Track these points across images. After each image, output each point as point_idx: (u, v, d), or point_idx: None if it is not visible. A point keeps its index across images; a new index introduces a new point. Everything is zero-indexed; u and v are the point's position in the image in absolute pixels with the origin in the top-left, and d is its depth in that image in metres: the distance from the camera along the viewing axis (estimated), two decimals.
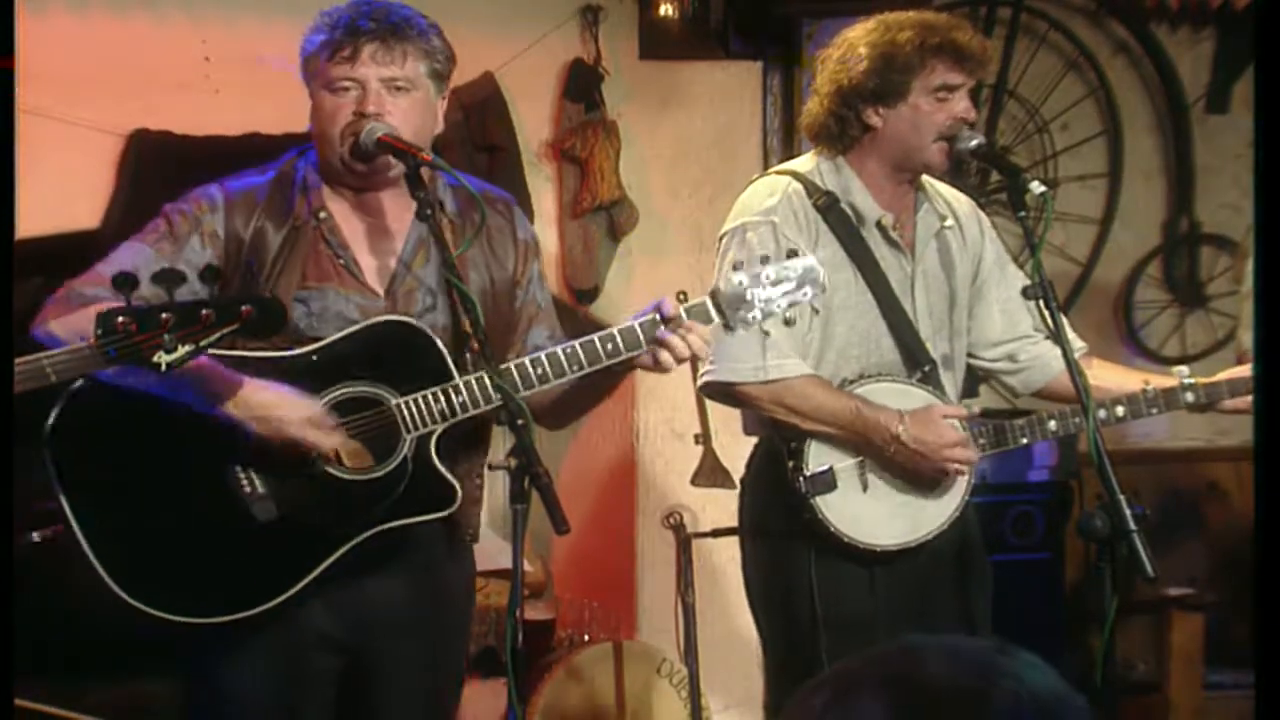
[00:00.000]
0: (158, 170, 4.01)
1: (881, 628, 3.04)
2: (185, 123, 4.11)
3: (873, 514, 3.06)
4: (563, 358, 2.61)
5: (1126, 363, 5.39)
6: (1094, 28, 5.30)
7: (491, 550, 5.21)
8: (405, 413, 2.59)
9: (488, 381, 2.57)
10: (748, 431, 3.27)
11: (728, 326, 2.64)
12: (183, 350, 2.30)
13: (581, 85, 4.55)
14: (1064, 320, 3.22)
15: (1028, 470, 4.70)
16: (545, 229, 4.58)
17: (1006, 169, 2.91)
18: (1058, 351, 2.98)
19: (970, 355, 3.30)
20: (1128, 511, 2.66)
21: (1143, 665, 4.91)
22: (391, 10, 2.67)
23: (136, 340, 2.28)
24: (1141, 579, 2.67)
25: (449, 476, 2.64)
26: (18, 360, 2.37)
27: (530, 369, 2.61)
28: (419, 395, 2.59)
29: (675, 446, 4.71)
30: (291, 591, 2.60)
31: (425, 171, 2.60)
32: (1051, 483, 4.76)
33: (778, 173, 3.20)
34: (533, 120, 4.55)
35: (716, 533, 4.02)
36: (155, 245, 2.64)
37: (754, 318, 2.64)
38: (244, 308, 2.33)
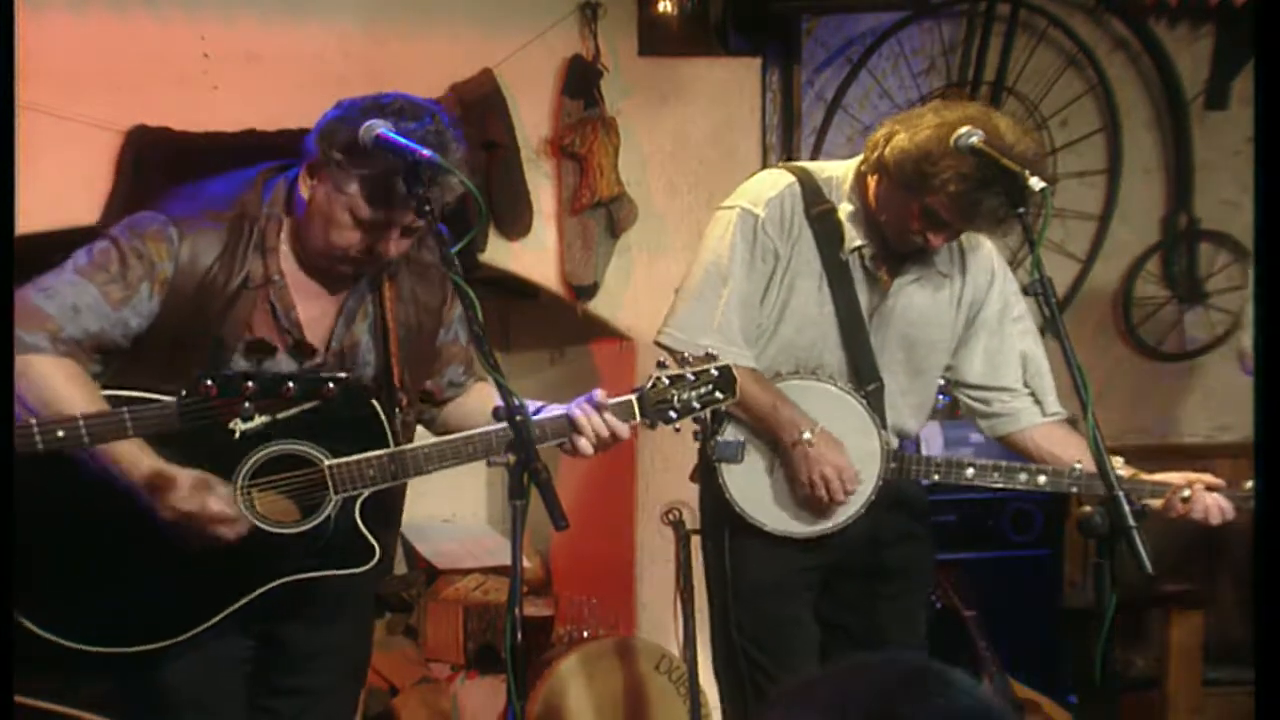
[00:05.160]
0: (156, 166, 4.00)
1: (782, 598, 3.28)
2: (184, 119, 4.10)
3: (769, 497, 3.23)
4: (494, 439, 2.69)
5: (1125, 359, 5.41)
6: (1093, 24, 5.30)
7: (490, 546, 5.22)
8: (335, 475, 2.67)
9: (425, 452, 2.70)
10: None
11: (650, 425, 2.78)
12: (259, 420, 2.37)
13: (580, 81, 4.54)
14: (1051, 385, 3.38)
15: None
16: (544, 225, 4.58)
17: (1005, 166, 2.91)
18: (1030, 411, 3.32)
19: (957, 388, 3.44)
20: (1127, 508, 2.66)
21: (1141, 661, 4.92)
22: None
23: (215, 405, 2.33)
24: (1141, 575, 2.67)
25: (370, 538, 2.74)
26: (99, 412, 2.43)
27: (464, 446, 2.72)
28: (352, 460, 2.68)
29: (674, 443, 4.68)
30: (197, 630, 2.67)
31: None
32: None
33: (790, 168, 3.30)
34: (532, 116, 4.54)
35: None
36: (104, 288, 2.61)
37: (673, 416, 2.78)
38: (328, 386, 2.37)
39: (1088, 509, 2.75)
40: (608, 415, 2.73)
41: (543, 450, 2.51)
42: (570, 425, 2.72)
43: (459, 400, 3.01)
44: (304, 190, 2.66)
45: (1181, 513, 3.16)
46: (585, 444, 2.73)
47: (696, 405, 2.79)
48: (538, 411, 2.72)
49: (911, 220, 3.07)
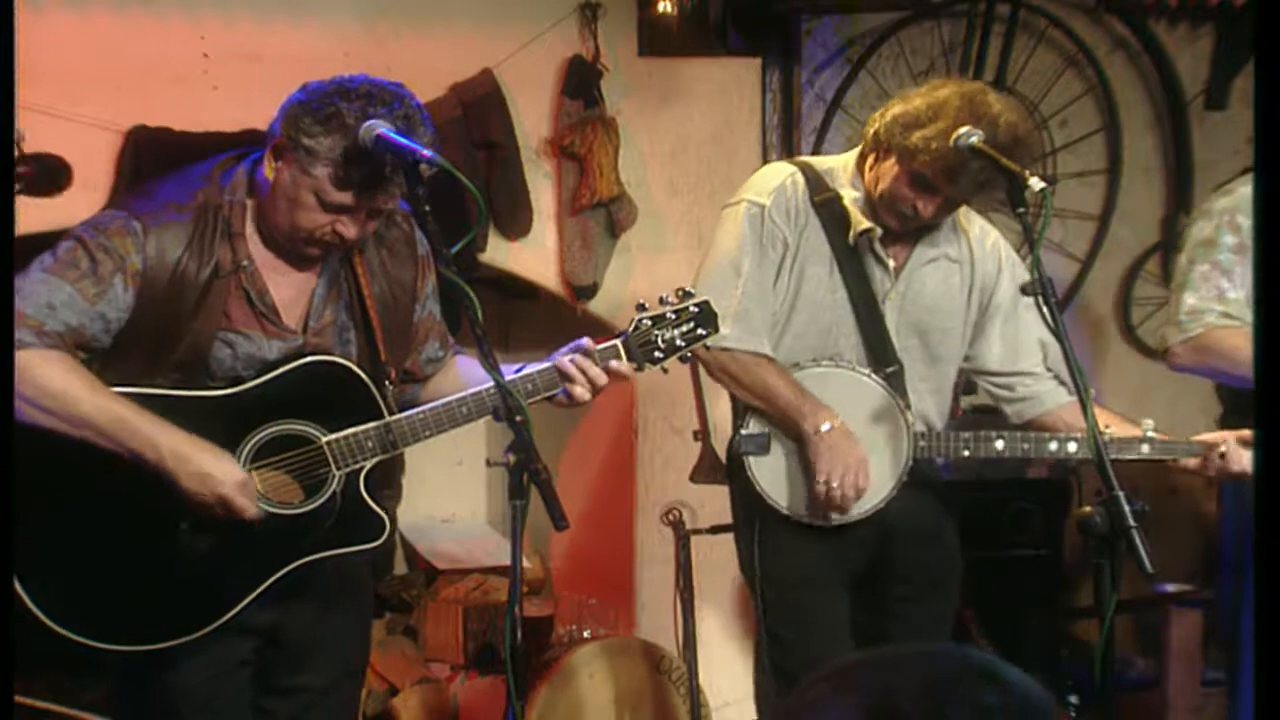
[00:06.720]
0: (156, 166, 4.00)
1: (813, 591, 3.29)
2: (183, 119, 4.11)
3: (798, 486, 3.23)
4: (486, 398, 2.71)
5: (1125, 358, 5.41)
6: (1093, 24, 5.30)
7: (490, 546, 5.22)
8: (334, 450, 2.68)
9: (416, 420, 2.71)
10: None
11: (638, 367, 2.79)
12: None
13: (580, 82, 4.54)
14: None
15: (1027, 466, 4.71)
16: (544, 225, 4.58)
17: (1005, 166, 2.91)
18: (1056, 393, 3.33)
19: (980, 379, 3.47)
20: (1126, 507, 2.66)
21: (1141, 662, 4.92)
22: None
23: None
24: (1140, 575, 2.67)
25: (378, 510, 2.74)
26: None
27: (459, 408, 2.73)
28: (349, 433, 2.69)
29: (674, 443, 4.71)
30: (220, 621, 2.67)
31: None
32: (1050, 479, 4.77)
33: (792, 161, 3.37)
34: (532, 117, 4.54)
35: (715, 529, 4.01)
36: (77, 285, 2.60)
37: (659, 356, 2.80)
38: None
39: (1088, 509, 2.74)
40: (598, 360, 2.76)
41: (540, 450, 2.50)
42: (561, 376, 2.75)
43: (439, 376, 3.02)
44: (268, 172, 2.66)
45: (1220, 468, 3.21)
46: (580, 390, 2.75)
47: (681, 344, 2.81)
48: (520, 370, 2.75)
49: (903, 187, 3.11)
